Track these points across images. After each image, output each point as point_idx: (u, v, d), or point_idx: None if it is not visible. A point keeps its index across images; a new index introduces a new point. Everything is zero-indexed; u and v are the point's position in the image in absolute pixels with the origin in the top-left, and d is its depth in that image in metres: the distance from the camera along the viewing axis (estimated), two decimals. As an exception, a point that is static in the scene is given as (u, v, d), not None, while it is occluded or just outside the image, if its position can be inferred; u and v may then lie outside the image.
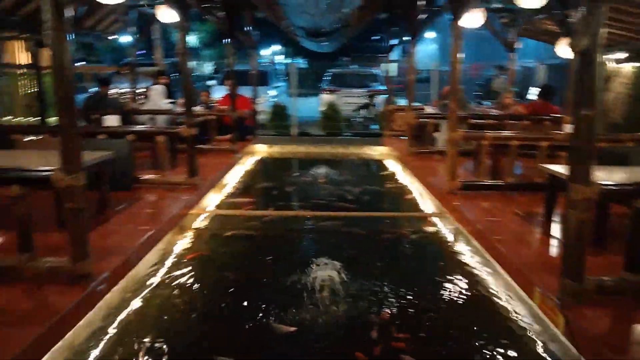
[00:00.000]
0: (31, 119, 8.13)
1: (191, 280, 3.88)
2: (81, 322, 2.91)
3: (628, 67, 9.00)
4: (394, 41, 12.70)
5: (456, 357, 3.00)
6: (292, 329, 3.15)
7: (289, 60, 29.78)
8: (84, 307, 2.93)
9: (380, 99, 13.07)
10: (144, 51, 23.88)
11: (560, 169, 4.08)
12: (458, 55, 5.36)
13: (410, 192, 6.78)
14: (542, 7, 5.86)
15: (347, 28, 9.59)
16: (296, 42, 16.43)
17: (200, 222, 5.24)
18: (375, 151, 9.78)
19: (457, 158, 5.53)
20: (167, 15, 5.96)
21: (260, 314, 3.34)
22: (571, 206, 2.79)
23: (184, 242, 4.67)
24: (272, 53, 42.68)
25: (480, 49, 22.68)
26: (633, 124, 8.70)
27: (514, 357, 2.92)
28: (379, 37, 28.78)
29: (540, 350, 2.98)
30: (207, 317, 3.38)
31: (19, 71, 8.25)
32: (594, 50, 2.69)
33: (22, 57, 9.95)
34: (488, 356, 2.93)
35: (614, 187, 2.93)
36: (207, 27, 28.75)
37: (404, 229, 5.40)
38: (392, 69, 18.78)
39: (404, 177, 7.64)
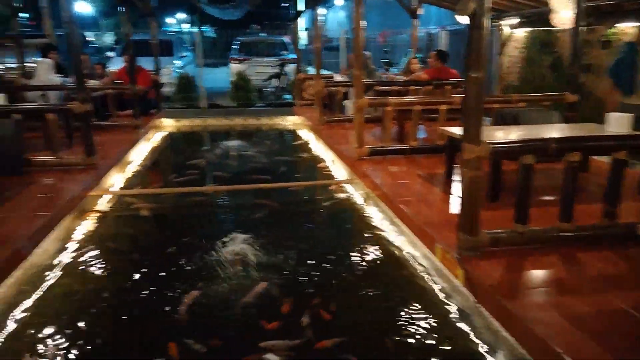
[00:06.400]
0: None
1: (94, 266, 3.68)
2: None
3: (521, 32, 9.56)
4: (301, 8, 12.59)
5: (367, 314, 3.12)
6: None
7: (195, 29, 28.60)
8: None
9: (291, 67, 12.96)
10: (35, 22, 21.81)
11: (456, 130, 4.29)
12: (359, 23, 5.40)
13: (323, 161, 6.84)
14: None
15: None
16: (202, 10, 15.76)
17: (102, 204, 4.95)
18: (288, 121, 9.74)
19: (364, 125, 5.64)
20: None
21: (170, 294, 3.25)
22: (464, 165, 2.94)
23: (83, 226, 4.40)
24: (178, 21, 40.79)
25: (387, 16, 23.09)
26: (525, 86, 9.32)
27: (418, 309, 3.08)
28: (288, 4, 28.41)
29: (442, 301, 3.17)
30: (112, 307, 3.22)
31: None
32: (481, 14, 2.79)
33: None
34: (395, 311, 3.08)
35: (502, 146, 3.12)
36: (105, -5, 26.83)
37: (316, 197, 5.48)
38: (303, 36, 18.61)
39: (316, 146, 7.69)
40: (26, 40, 9.30)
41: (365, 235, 4.30)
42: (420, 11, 9.65)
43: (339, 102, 8.44)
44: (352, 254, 3.90)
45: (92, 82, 7.86)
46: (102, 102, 7.65)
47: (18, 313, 3.01)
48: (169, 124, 9.21)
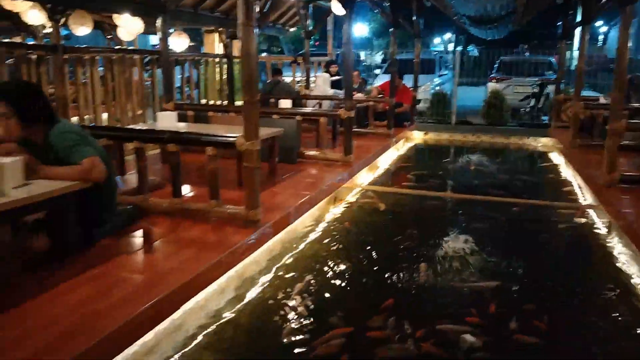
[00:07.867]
0: (220, 102, 9.56)
1: (335, 240, 4.50)
2: (249, 259, 3.69)
3: None
4: (573, 27, 11.87)
5: (577, 337, 3.10)
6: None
7: (460, 48, 29.11)
8: (252, 246, 3.71)
9: (552, 88, 12.33)
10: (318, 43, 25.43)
11: None
12: (626, 42, 5.09)
13: (565, 184, 6.55)
14: None
15: (515, 14, 9.28)
16: (466, 30, 16.18)
17: (351, 195, 5.84)
18: (538, 142, 9.42)
19: (618, 151, 5.27)
20: (340, 8, 6.62)
21: (393, 269, 3.82)
22: None
23: (335, 210, 5.33)
24: (444, 41, 42.00)
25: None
26: None
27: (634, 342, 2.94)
28: (560, 22, 26.48)
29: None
30: (345, 270, 3.94)
31: (215, 60, 9.70)
32: None
33: (217, 48, 11.69)
34: (609, 339, 3.01)
35: None
36: (379, 18, 29.54)
37: (551, 217, 5.35)
38: (573, 56, 17.28)
39: (563, 169, 7.34)
40: (312, 58, 11.21)
41: (597, 263, 4.13)
42: None
43: (599, 126, 7.82)
44: (577, 277, 3.83)
45: (358, 95, 9.10)
46: (364, 112, 8.79)
47: (280, 264, 3.97)
48: (417, 137, 9.91)
